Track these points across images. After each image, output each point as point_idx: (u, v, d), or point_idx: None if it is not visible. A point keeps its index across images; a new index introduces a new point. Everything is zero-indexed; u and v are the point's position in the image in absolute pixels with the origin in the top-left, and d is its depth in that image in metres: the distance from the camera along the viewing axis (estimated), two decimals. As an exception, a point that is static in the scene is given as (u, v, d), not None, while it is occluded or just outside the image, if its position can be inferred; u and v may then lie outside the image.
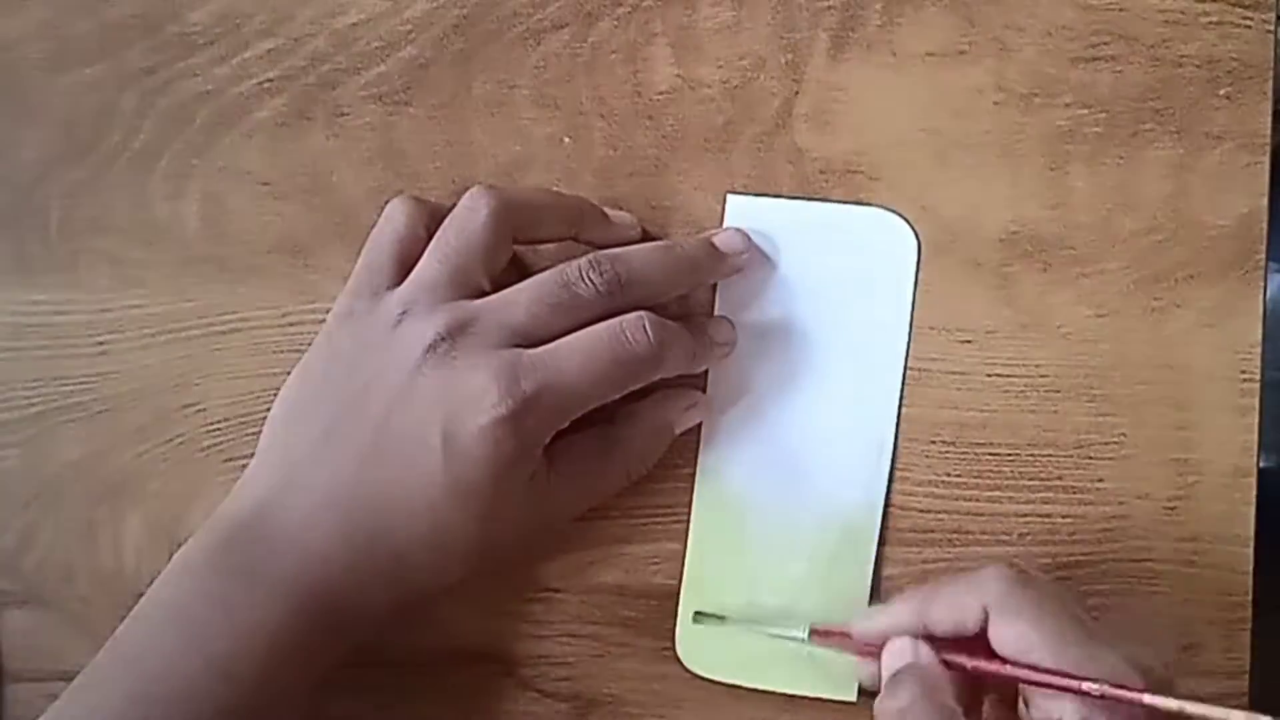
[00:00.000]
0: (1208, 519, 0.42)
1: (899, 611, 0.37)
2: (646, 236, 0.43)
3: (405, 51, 0.44)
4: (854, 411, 0.42)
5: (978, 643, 0.36)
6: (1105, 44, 0.41)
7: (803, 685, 0.42)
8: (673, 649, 0.43)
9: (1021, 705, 0.36)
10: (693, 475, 0.43)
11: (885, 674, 0.36)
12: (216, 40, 0.45)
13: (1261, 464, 0.41)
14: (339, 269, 0.44)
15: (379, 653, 0.44)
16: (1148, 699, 0.33)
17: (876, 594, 0.42)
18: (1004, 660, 0.35)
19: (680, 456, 0.43)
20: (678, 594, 0.43)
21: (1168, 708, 0.33)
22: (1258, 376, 0.41)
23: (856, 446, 0.42)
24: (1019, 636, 0.34)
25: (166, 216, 0.45)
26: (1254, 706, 0.41)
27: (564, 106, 0.44)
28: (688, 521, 0.43)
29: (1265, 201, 0.41)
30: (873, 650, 0.38)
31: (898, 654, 0.36)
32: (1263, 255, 0.41)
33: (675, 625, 0.43)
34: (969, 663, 0.36)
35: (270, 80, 0.44)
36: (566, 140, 0.44)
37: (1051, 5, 0.42)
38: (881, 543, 0.42)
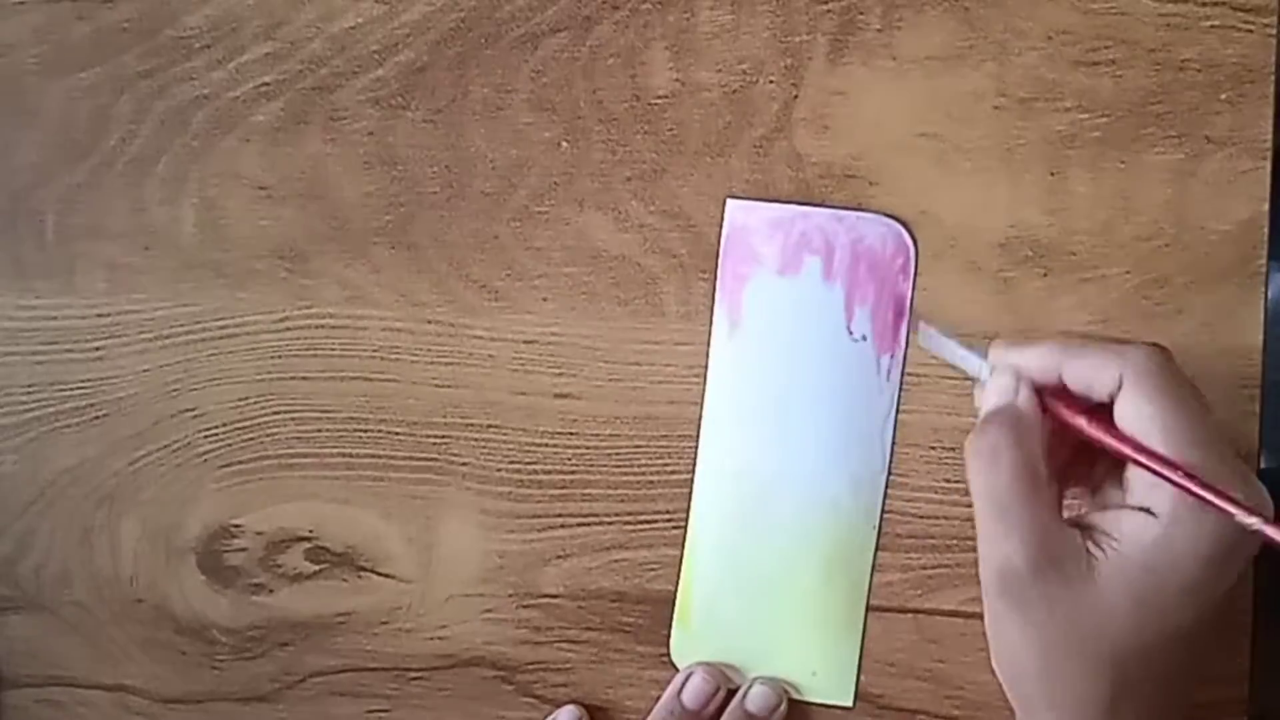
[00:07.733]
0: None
1: (1040, 351, 0.35)
2: (645, 242, 0.43)
3: (402, 55, 0.44)
4: (852, 417, 0.42)
5: (1102, 413, 0.34)
6: (1106, 48, 0.41)
7: (800, 692, 0.42)
8: (669, 655, 0.43)
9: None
10: (690, 482, 0.43)
11: (984, 406, 0.35)
12: (213, 44, 0.44)
13: (1263, 465, 0.41)
14: (336, 273, 0.44)
15: (377, 659, 0.44)
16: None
17: (874, 601, 0.42)
18: (1118, 435, 0.33)
19: (678, 463, 0.43)
20: (675, 600, 0.43)
21: None
22: (1259, 380, 0.41)
23: (854, 452, 0.42)
24: (1143, 416, 0.32)
25: (163, 221, 0.45)
26: (1254, 708, 0.41)
27: (562, 110, 0.43)
28: (685, 528, 0.43)
29: (1266, 206, 0.41)
30: None
31: (1001, 390, 0.35)
32: (1263, 260, 0.41)
33: (670, 631, 0.43)
34: (1072, 418, 0.34)
35: (267, 84, 0.44)
36: (564, 144, 0.43)
37: (1052, 9, 0.41)
38: (880, 549, 0.42)
